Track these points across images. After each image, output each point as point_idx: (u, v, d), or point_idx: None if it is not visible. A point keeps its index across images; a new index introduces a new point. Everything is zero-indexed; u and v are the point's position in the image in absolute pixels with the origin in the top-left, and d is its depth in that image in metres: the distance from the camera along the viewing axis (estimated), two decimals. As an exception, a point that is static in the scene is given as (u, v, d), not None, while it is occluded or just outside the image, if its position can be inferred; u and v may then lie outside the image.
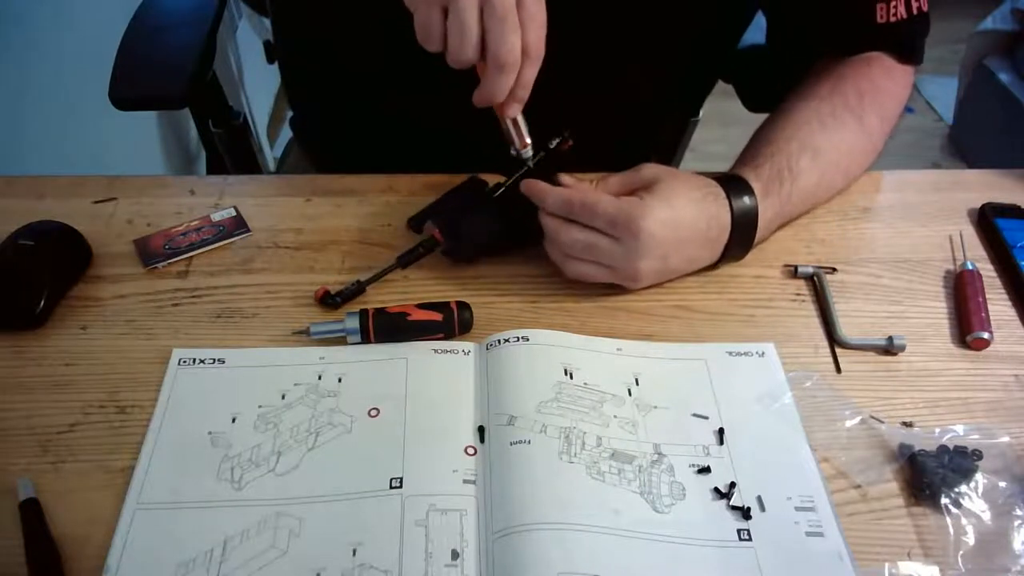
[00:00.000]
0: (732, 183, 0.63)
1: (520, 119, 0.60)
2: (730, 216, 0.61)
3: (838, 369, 0.60)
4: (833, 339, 0.62)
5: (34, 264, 0.62)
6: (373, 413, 0.55)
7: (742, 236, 0.63)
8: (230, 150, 1.01)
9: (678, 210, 0.60)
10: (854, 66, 0.72)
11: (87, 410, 0.55)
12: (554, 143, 0.64)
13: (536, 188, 0.62)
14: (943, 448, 0.53)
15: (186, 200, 0.72)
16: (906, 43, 0.73)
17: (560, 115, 0.64)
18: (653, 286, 0.64)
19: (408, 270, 0.65)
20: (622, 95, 0.80)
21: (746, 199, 0.62)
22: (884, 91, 0.72)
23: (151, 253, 0.67)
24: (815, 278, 0.66)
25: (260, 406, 0.56)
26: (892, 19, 0.70)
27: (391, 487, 0.51)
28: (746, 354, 0.60)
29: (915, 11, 0.70)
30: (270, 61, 1.07)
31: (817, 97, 0.70)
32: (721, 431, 0.55)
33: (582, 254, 0.61)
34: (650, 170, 0.63)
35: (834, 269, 0.67)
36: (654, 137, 0.93)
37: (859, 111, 0.69)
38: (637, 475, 0.52)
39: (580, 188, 0.62)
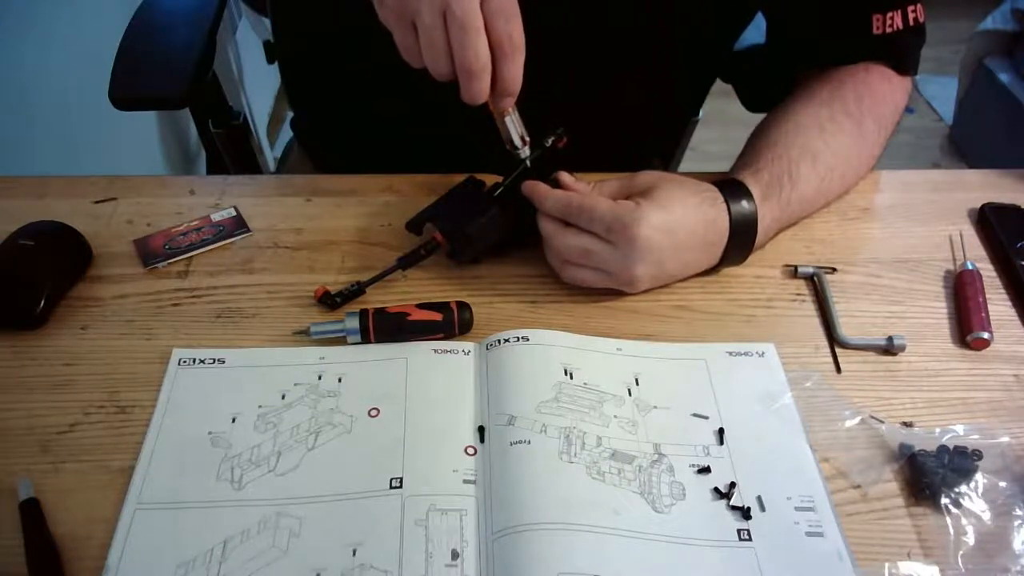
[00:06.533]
0: (731, 188, 0.62)
1: (515, 117, 0.60)
2: (728, 221, 0.61)
3: (838, 369, 0.60)
4: (833, 339, 0.62)
5: (34, 264, 0.62)
6: (373, 413, 0.55)
7: (741, 241, 0.63)
8: (230, 150, 1.01)
9: (675, 215, 0.59)
10: (853, 72, 0.72)
11: (87, 410, 0.55)
12: (549, 141, 0.64)
13: (535, 190, 0.62)
14: (943, 448, 0.53)
15: (186, 200, 0.72)
16: (901, 54, 0.73)
17: (558, 118, 0.64)
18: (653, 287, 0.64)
19: (408, 270, 0.65)
20: (619, 97, 0.80)
21: (745, 204, 0.62)
22: (882, 97, 0.72)
23: (151, 253, 0.67)
24: (815, 278, 0.66)
25: (260, 406, 0.56)
26: (888, 30, 0.70)
27: (391, 487, 0.51)
28: (746, 354, 0.60)
29: (912, 22, 0.70)
30: (270, 61, 1.07)
31: (817, 101, 0.70)
32: (721, 431, 0.55)
33: (579, 259, 0.61)
34: (648, 176, 0.63)
35: (834, 269, 0.67)
36: (653, 137, 0.93)
37: (858, 116, 0.69)
38: (637, 475, 0.52)
39: (578, 191, 0.62)
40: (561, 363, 0.58)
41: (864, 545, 0.49)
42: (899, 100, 0.74)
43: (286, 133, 1.05)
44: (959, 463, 0.52)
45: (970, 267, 0.66)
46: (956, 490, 0.51)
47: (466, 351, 0.60)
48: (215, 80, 0.94)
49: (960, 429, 0.54)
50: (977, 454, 0.52)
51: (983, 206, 0.72)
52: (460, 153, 0.70)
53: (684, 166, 1.08)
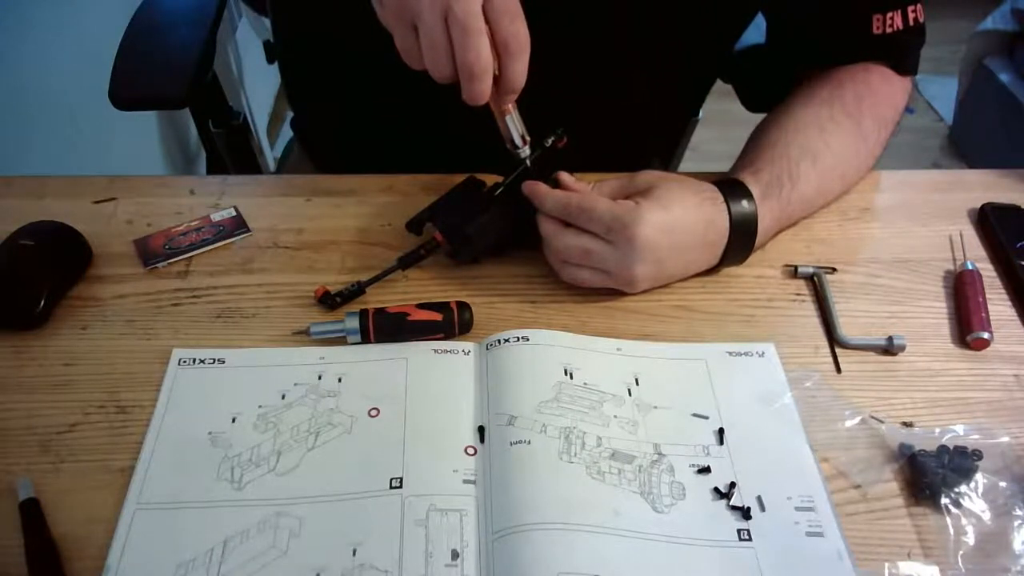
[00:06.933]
0: (731, 188, 0.62)
1: (515, 117, 0.60)
2: (728, 221, 0.61)
3: (838, 369, 0.60)
4: (833, 339, 0.62)
5: (34, 264, 0.62)
6: (373, 413, 0.55)
7: (741, 241, 0.63)
8: (230, 150, 1.01)
9: (674, 215, 0.60)
10: (853, 72, 0.72)
11: (87, 410, 0.55)
12: (549, 141, 0.64)
13: (535, 190, 0.62)
14: (943, 448, 0.53)
15: (186, 200, 0.72)
16: (901, 54, 0.73)
17: (558, 117, 0.64)
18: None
19: (408, 270, 0.65)
20: (620, 97, 0.79)
21: (744, 204, 0.62)
22: (882, 97, 0.72)
23: (151, 253, 0.67)
24: (815, 278, 0.66)
25: (260, 406, 0.56)
26: (888, 30, 0.70)
27: (391, 487, 0.51)
28: (746, 354, 0.60)
29: (912, 22, 0.70)
30: (270, 61, 1.07)
31: (817, 101, 0.70)
32: (721, 431, 0.55)
33: (579, 259, 0.61)
34: (648, 175, 0.63)
35: (834, 269, 0.67)
36: (653, 137, 0.93)
37: (858, 116, 0.69)
38: (637, 475, 0.52)
39: (578, 191, 0.62)
40: (561, 363, 0.58)
41: (864, 545, 0.49)
42: (899, 100, 0.74)
43: (286, 133, 1.05)
44: (959, 463, 0.52)
45: (970, 267, 0.66)
46: (956, 490, 0.51)
47: (466, 351, 0.60)
48: (215, 80, 0.94)
49: (960, 429, 0.54)
50: (977, 454, 0.52)
51: (983, 206, 0.72)
52: (460, 153, 0.70)
53: (684, 166, 1.08)
